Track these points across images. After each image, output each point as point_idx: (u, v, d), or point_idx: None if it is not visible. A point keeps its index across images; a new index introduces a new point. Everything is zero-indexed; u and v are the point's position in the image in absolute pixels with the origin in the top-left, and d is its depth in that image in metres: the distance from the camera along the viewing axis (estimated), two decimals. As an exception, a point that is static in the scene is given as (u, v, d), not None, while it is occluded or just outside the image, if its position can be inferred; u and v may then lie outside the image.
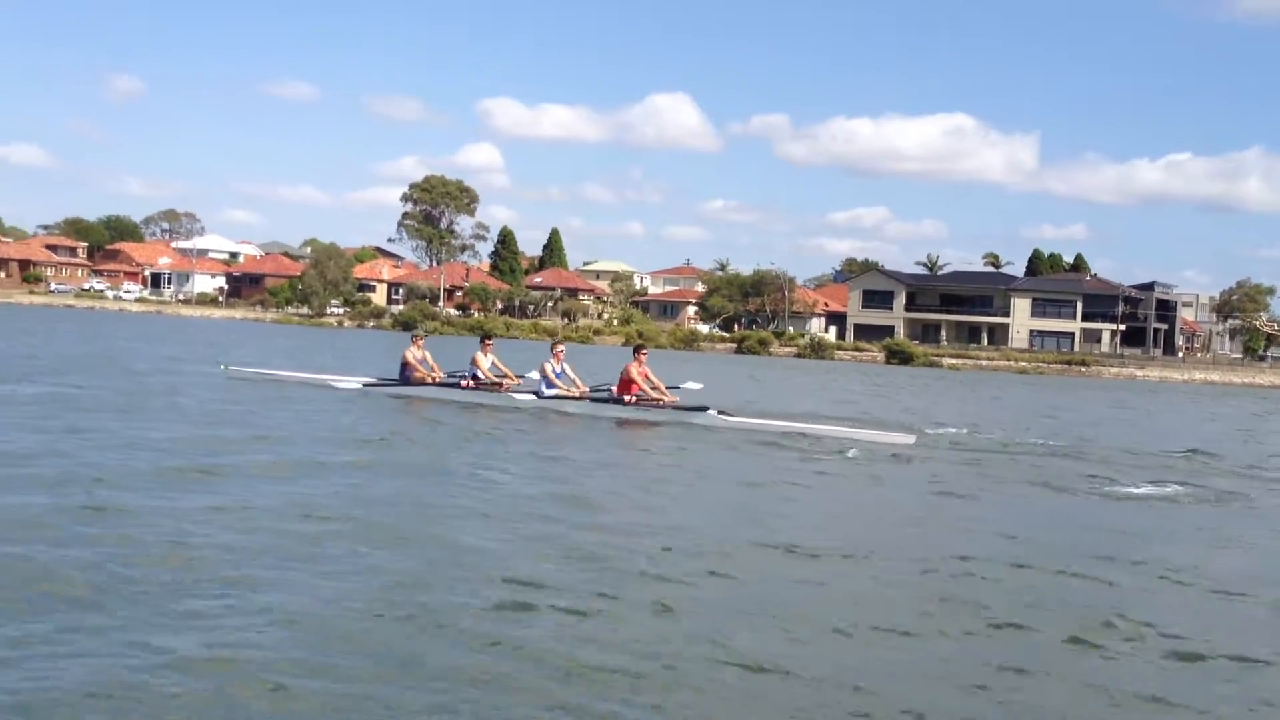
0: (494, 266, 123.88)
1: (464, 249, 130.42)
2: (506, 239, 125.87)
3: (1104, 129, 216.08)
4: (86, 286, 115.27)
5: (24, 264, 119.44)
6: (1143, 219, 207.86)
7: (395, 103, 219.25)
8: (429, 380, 19.38)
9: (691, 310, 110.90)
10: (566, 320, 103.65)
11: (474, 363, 18.98)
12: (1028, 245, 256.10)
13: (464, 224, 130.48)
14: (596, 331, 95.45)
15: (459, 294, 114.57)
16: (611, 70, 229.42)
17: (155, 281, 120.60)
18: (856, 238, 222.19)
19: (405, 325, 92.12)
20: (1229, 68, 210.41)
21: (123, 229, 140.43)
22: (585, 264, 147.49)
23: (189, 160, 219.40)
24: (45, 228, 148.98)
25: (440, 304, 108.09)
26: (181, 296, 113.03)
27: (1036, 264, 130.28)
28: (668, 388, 18.41)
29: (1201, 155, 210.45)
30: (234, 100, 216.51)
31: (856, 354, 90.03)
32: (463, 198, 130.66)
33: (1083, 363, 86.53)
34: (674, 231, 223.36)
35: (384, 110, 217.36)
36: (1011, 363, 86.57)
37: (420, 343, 19.88)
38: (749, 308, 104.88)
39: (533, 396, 18.39)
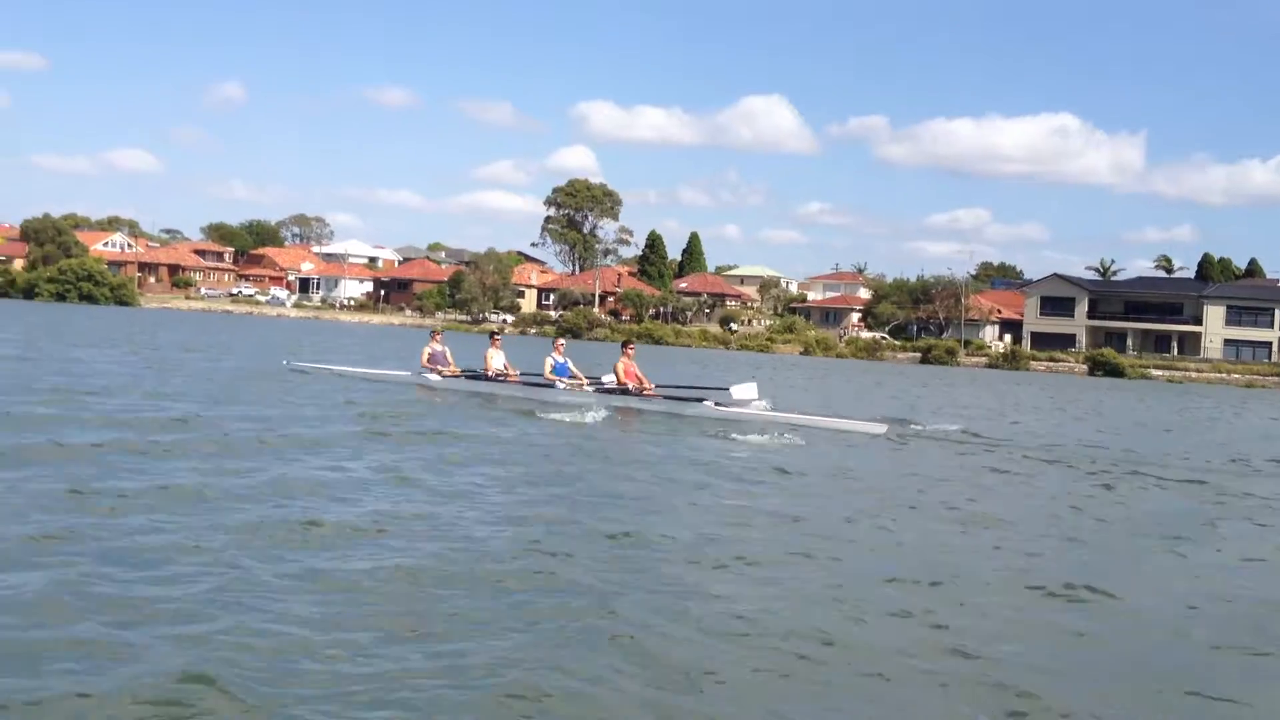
0: (641, 271, 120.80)
1: (607, 253, 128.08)
2: (655, 243, 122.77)
3: (1213, 128, 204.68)
4: (234, 291, 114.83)
5: (172, 269, 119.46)
6: (1253, 221, 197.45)
7: (489, 107, 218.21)
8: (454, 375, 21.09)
9: (855, 317, 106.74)
10: (727, 328, 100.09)
11: (486, 360, 20.75)
12: (1132, 247, 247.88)
13: (606, 228, 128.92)
14: (770, 339, 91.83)
15: (610, 299, 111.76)
16: (705, 73, 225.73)
17: (304, 286, 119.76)
18: (955, 240, 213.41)
19: (573, 332, 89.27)
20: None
21: (264, 234, 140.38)
22: (718, 268, 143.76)
23: (290, 165, 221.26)
24: (168, 232, 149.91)
25: (595, 309, 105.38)
26: (343, 302, 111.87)
27: (1207, 268, 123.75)
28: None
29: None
30: (332, 106, 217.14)
31: (1052, 364, 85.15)
32: (606, 202, 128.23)
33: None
34: (770, 235, 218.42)
35: (479, 115, 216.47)
36: (1224, 375, 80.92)
37: (439, 338, 21.99)
38: (919, 315, 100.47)
39: (549, 388, 19.69)
